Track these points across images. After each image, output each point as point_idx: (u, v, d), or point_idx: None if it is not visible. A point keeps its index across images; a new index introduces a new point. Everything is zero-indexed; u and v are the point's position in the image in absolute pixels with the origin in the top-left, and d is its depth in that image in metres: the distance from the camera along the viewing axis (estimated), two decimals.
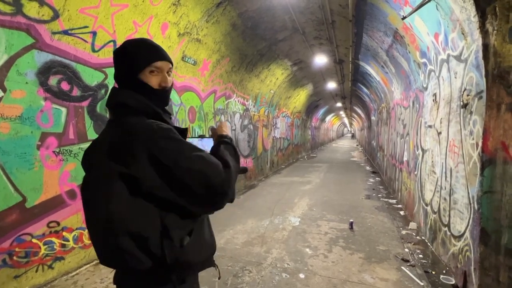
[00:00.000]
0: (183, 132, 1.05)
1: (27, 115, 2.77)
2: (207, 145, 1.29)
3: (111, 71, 3.60)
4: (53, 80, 2.97)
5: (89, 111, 3.37)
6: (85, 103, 3.32)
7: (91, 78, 3.37)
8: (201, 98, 5.75)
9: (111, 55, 3.55)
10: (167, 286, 0.98)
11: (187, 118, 5.30)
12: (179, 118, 5.06)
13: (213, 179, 0.90)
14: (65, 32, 3.01)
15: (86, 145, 3.32)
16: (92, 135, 3.40)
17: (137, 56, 1.05)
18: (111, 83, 3.62)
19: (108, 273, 3.23)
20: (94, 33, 3.27)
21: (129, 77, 1.05)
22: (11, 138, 2.66)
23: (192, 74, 5.26)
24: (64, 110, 3.09)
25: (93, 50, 3.33)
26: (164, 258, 0.94)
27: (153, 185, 0.90)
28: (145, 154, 0.89)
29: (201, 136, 1.37)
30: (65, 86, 3.09)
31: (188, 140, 1.15)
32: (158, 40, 4.15)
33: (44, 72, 2.89)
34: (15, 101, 2.67)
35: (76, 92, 3.20)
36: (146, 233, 0.93)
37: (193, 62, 5.10)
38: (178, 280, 1.00)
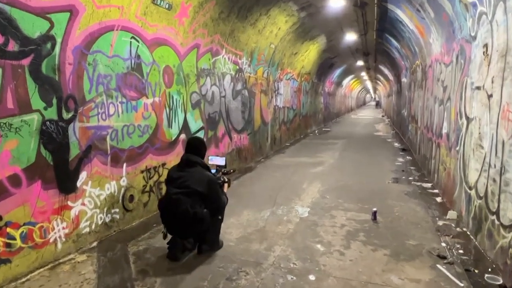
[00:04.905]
0: (209, 168, 3.85)
1: None
2: (215, 159, 4.36)
3: (58, 18, 3.48)
4: None
5: (32, 71, 3.28)
6: (25, 61, 3.22)
7: (32, 27, 3.25)
8: (179, 55, 5.63)
9: None
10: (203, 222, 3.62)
11: (162, 82, 5.21)
12: (151, 81, 4.97)
13: (222, 206, 3.87)
14: None
15: (29, 117, 3.26)
16: (38, 103, 3.33)
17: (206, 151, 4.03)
18: (59, 34, 3.51)
19: (67, 278, 3.29)
20: None
21: (204, 156, 3.89)
22: None
23: (166, 22, 5.11)
24: None
25: None
26: (204, 216, 3.58)
27: (207, 196, 3.64)
28: (208, 187, 3.63)
29: (218, 166, 4.24)
30: None
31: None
32: None
33: None
34: None
35: (12, 46, 3.10)
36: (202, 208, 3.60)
37: (167, 6, 4.94)
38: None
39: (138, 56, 4.70)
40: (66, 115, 3.67)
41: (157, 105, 5.13)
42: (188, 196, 3.49)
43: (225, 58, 7.37)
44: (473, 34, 4.45)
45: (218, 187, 3.80)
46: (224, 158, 4.32)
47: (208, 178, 3.64)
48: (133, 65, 4.62)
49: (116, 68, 4.35)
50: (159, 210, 3.73)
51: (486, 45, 3.97)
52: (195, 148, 3.81)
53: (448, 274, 3.36)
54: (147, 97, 4.92)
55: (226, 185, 4.11)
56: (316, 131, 18.06)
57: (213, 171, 4.00)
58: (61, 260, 3.62)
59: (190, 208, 3.45)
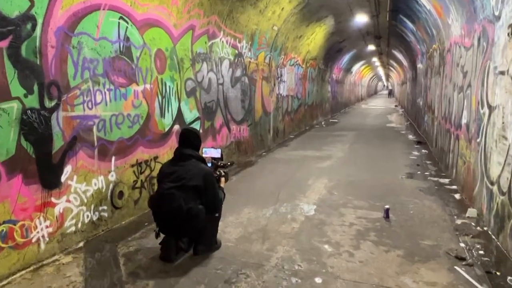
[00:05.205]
0: (204, 160, 3.87)
1: None
2: (209, 151, 4.34)
3: None
4: None
5: (11, 54, 3.25)
6: (3, 44, 3.20)
7: (10, 6, 3.23)
8: (172, 38, 5.60)
9: None
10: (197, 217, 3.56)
11: (154, 67, 5.19)
12: (142, 67, 4.95)
13: (219, 202, 3.86)
14: None
15: (8, 105, 3.25)
16: (17, 90, 3.32)
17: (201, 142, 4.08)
18: (40, 14, 3.49)
19: (51, 281, 3.30)
20: None
21: (199, 148, 3.91)
22: None
23: (158, 1, 5.07)
24: None
25: None
26: (199, 212, 3.55)
27: (203, 191, 3.64)
28: (204, 180, 3.63)
29: (213, 159, 4.25)
30: None
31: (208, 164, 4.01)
32: None
33: None
34: None
35: None
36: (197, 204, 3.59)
37: None
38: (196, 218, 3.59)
39: (127, 39, 4.68)
40: (48, 103, 3.66)
41: (148, 93, 5.12)
42: (182, 191, 3.51)
43: (223, 41, 7.33)
44: (496, 14, 4.41)
45: (215, 180, 3.83)
46: (219, 149, 4.32)
47: (205, 171, 3.68)
48: (121, 49, 4.60)
49: (103, 51, 4.33)
50: (151, 208, 3.76)
51: (511, 26, 3.93)
52: (189, 140, 3.82)
53: (467, 276, 3.36)
54: (138, 84, 4.90)
55: (223, 179, 4.12)
56: (323, 122, 18.05)
57: (209, 164, 4.02)
58: (44, 262, 3.63)
59: (184, 203, 3.46)
